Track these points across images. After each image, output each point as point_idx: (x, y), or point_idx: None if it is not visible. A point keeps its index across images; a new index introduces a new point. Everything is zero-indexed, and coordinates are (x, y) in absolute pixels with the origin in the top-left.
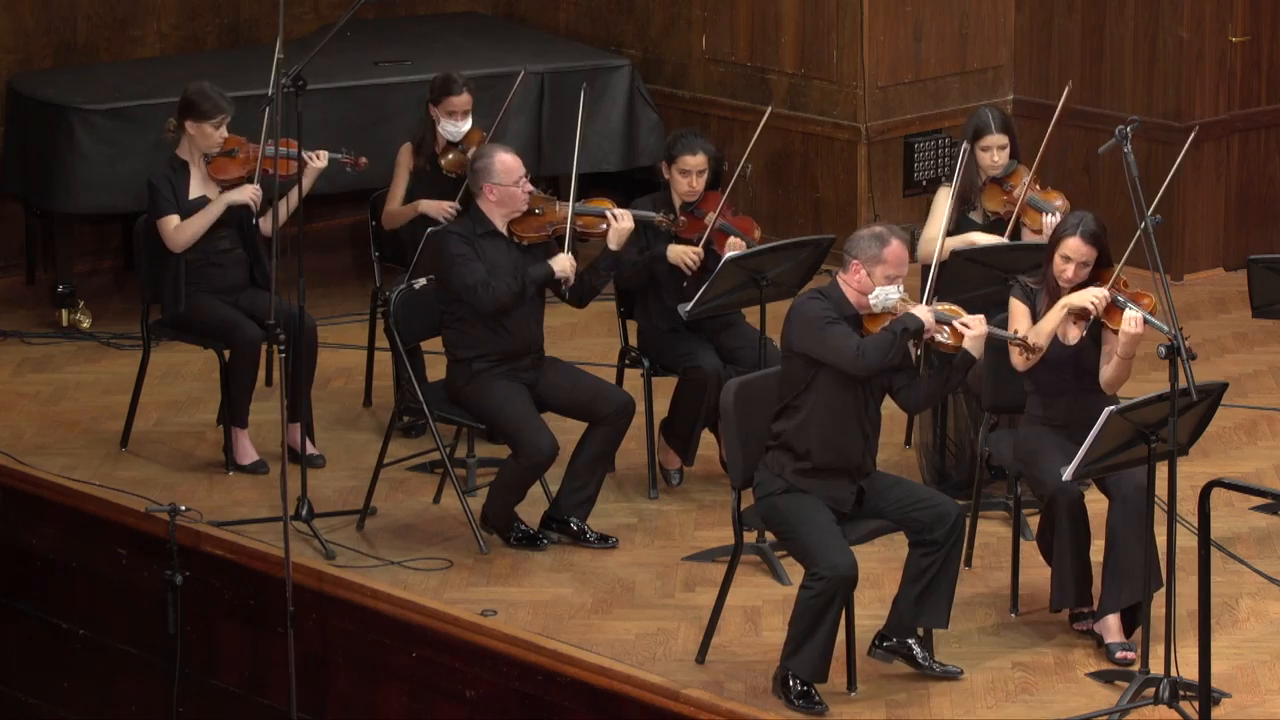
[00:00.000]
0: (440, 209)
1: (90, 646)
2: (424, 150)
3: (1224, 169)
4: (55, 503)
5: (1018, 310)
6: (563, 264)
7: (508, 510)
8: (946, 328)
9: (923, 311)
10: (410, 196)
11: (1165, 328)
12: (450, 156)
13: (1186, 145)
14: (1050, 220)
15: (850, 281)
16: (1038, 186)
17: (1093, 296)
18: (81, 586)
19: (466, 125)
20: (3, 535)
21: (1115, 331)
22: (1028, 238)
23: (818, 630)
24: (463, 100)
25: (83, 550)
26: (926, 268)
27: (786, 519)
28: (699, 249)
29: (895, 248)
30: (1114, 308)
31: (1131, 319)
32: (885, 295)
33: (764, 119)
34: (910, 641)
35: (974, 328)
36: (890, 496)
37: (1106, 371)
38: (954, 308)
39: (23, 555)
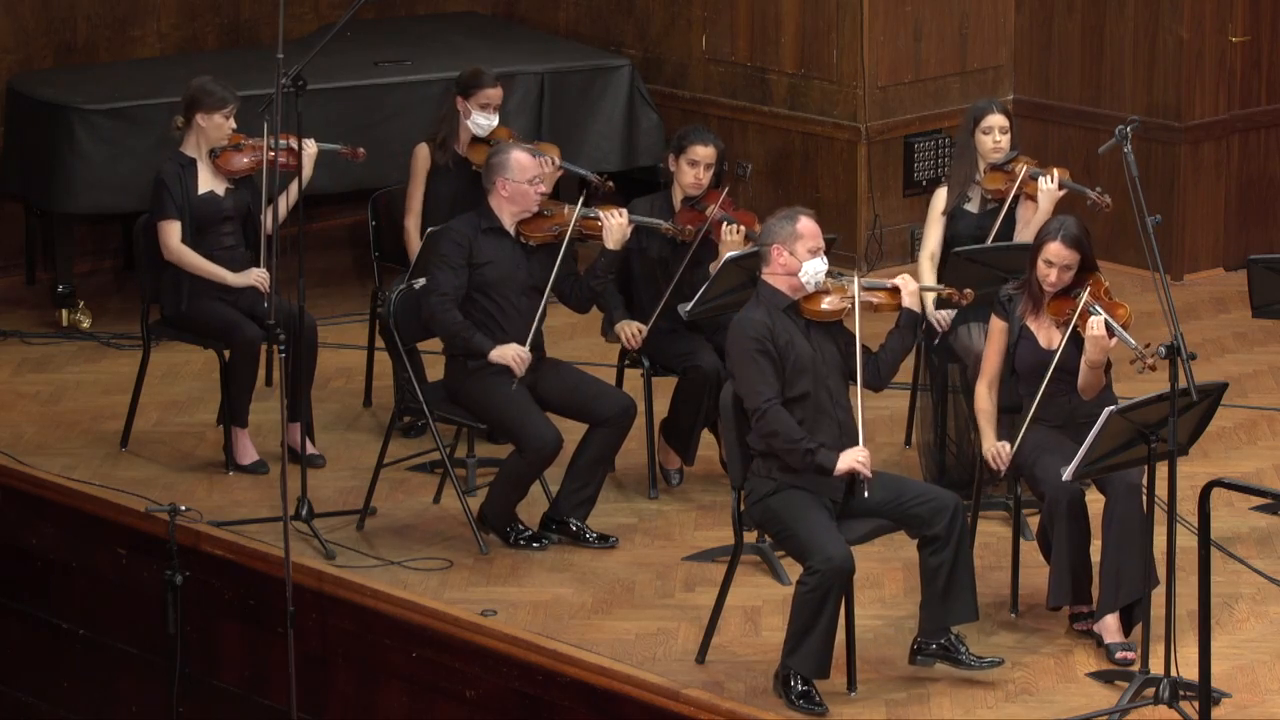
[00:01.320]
0: None
1: (90, 646)
2: (446, 147)
3: (1224, 169)
4: (55, 502)
5: (995, 327)
6: (504, 353)
7: (509, 508)
8: (880, 293)
9: (851, 456)
10: (430, 193)
11: (1132, 341)
12: (479, 152)
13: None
14: (1045, 182)
15: (776, 270)
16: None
17: (992, 454)
18: (81, 586)
19: (496, 119)
20: (3, 535)
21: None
22: (1024, 211)
23: (817, 625)
24: (496, 93)
25: (83, 550)
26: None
27: (780, 518)
28: (644, 327)
29: (805, 221)
30: (1087, 313)
31: (1095, 322)
32: (814, 271)
33: (723, 199)
34: (944, 642)
35: (903, 285)
36: (886, 493)
37: (1079, 378)
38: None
39: (22, 555)
